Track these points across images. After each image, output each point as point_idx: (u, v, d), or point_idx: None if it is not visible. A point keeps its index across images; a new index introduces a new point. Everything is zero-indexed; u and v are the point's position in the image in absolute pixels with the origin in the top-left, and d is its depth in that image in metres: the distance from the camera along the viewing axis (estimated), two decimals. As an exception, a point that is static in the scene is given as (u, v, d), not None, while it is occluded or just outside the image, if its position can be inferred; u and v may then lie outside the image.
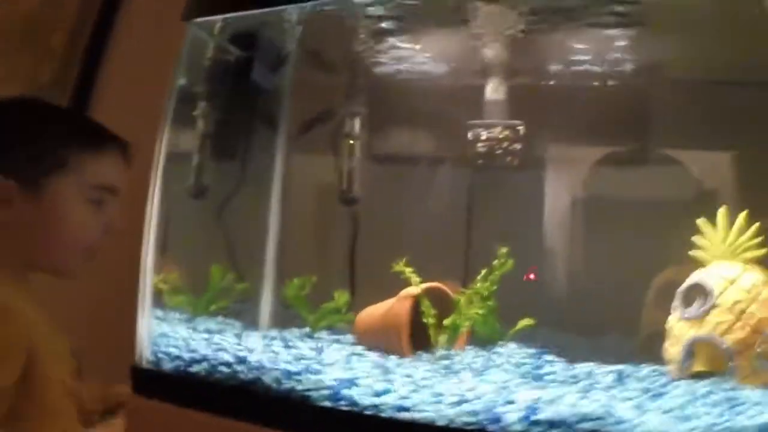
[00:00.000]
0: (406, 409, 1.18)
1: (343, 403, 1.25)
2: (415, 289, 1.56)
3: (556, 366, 1.43)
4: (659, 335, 1.34)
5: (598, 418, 1.08)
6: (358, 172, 1.83)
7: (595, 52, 1.65)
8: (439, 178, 1.83)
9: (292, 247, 1.93)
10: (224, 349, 1.50)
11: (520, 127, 1.68)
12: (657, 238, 1.53)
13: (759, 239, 1.29)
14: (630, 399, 1.18)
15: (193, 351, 1.51)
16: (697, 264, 1.34)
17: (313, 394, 1.28)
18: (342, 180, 1.84)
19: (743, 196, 1.53)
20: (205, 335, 1.66)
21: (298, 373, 1.32)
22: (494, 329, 1.62)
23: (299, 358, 1.43)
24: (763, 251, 1.28)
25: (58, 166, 1.14)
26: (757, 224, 1.29)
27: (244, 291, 1.93)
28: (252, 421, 1.32)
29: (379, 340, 1.59)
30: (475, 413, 1.14)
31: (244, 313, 1.91)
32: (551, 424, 1.09)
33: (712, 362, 1.25)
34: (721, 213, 1.32)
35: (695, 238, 1.34)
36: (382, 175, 1.90)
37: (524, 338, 1.58)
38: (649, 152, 1.72)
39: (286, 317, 1.85)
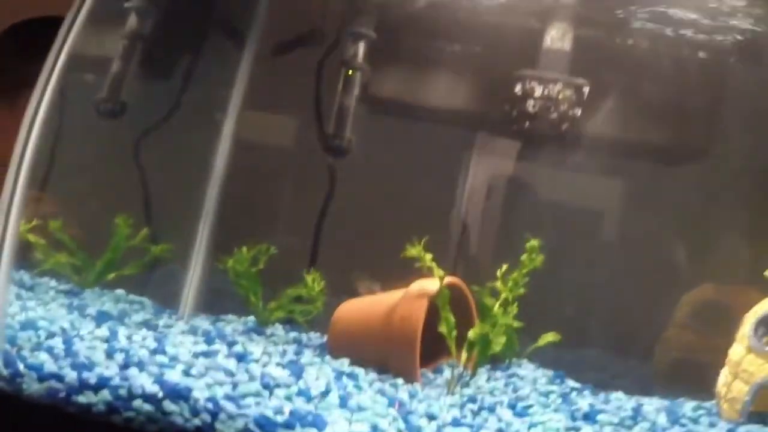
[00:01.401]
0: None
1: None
2: (431, 285, 1.03)
3: (587, 396, 1.09)
4: (691, 362, 1.17)
5: None
6: (353, 113, 1.25)
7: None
8: (455, 140, 1.29)
9: (239, 205, 1.33)
10: (140, 363, 0.81)
11: (586, 89, 1.19)
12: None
13: None
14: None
15: (82, 366, 0.81)
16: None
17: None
18: (329, 121, 1.25)
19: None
20: (104, 332, 0.96)
21: (288, 425, 0.69)
22: (512, 345, 1.16)
23: (270, 386, 0.79)
24: None
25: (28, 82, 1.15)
26: None
27: (161, 255, 1.33)
28: None
29: (374, 352, 1.04)
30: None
31: (156, 288, 1.31)
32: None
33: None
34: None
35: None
36: (376, 123, 1.33)
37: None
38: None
39: (220, 299, 1.26)
